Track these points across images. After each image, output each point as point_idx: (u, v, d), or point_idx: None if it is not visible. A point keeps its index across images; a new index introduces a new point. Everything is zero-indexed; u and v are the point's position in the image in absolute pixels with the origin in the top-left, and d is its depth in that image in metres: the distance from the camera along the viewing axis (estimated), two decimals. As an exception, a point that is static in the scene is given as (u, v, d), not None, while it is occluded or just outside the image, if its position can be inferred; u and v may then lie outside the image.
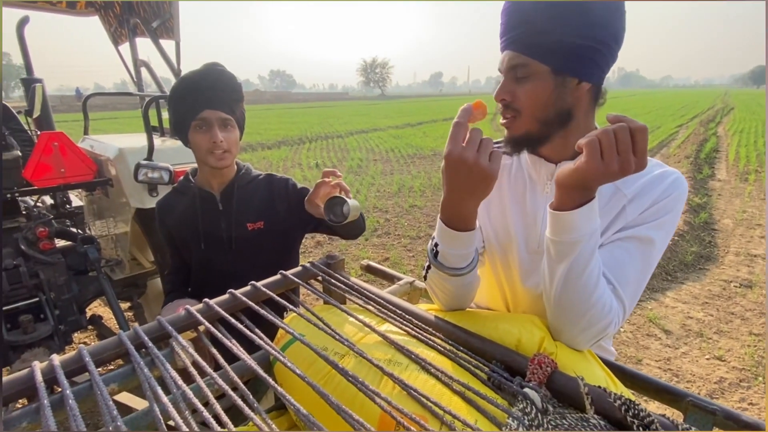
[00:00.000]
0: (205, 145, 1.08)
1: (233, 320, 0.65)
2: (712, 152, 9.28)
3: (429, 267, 0.72)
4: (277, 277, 0.80)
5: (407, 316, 0.68)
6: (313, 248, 4.22)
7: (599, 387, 0.52)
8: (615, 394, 0.47)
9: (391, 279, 1.11)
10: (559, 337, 0.65)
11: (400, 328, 0.66)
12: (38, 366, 0.54)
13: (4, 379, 0.53)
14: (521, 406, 0.48)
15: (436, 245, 0.68)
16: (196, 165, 1.23)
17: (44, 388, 0.51)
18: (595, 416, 0.48)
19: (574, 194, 0.58)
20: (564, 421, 0.47)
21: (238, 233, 1.16)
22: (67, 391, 0.50)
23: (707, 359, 2.47)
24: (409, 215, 5.22)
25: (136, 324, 0.63)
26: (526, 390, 0.50)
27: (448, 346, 0.61)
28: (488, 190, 0.61)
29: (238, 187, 1.18)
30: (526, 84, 0.69)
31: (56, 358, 0.55)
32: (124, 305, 2.34)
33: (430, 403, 0.49)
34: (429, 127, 15.95)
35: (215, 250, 1.18)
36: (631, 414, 0.46)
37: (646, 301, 3.13)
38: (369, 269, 1.17)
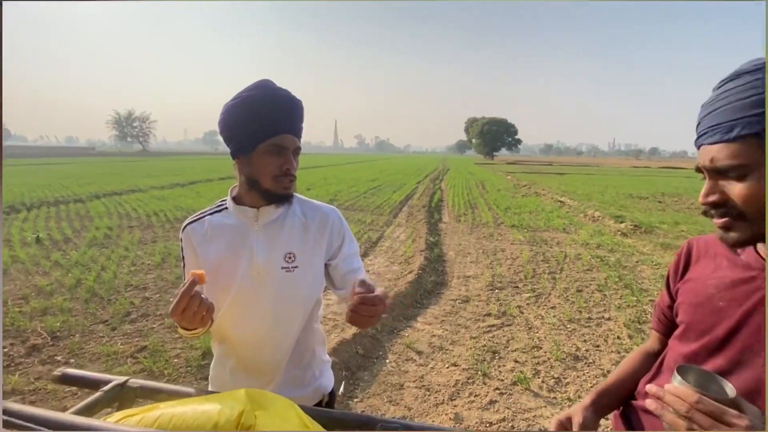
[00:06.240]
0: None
1: None
2: (439, 202, 12.28)
3: None
4: None
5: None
6: (25, 356, 3.05)
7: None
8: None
9: (97, 385, 0.89)
10: None
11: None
12: None
13: None
14: None
15: None
16: None
17: None
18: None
19: None
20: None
21: None
22: None
23: (447, 368, 3.07)
24: (174, 289, 4.55)
25: None
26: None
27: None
28: None
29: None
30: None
31: None
32: None
33: None
34: (203, 187, 14.83)
35: None
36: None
37: (403, 329, 3.68)
38: (64, 379, 0.91)
